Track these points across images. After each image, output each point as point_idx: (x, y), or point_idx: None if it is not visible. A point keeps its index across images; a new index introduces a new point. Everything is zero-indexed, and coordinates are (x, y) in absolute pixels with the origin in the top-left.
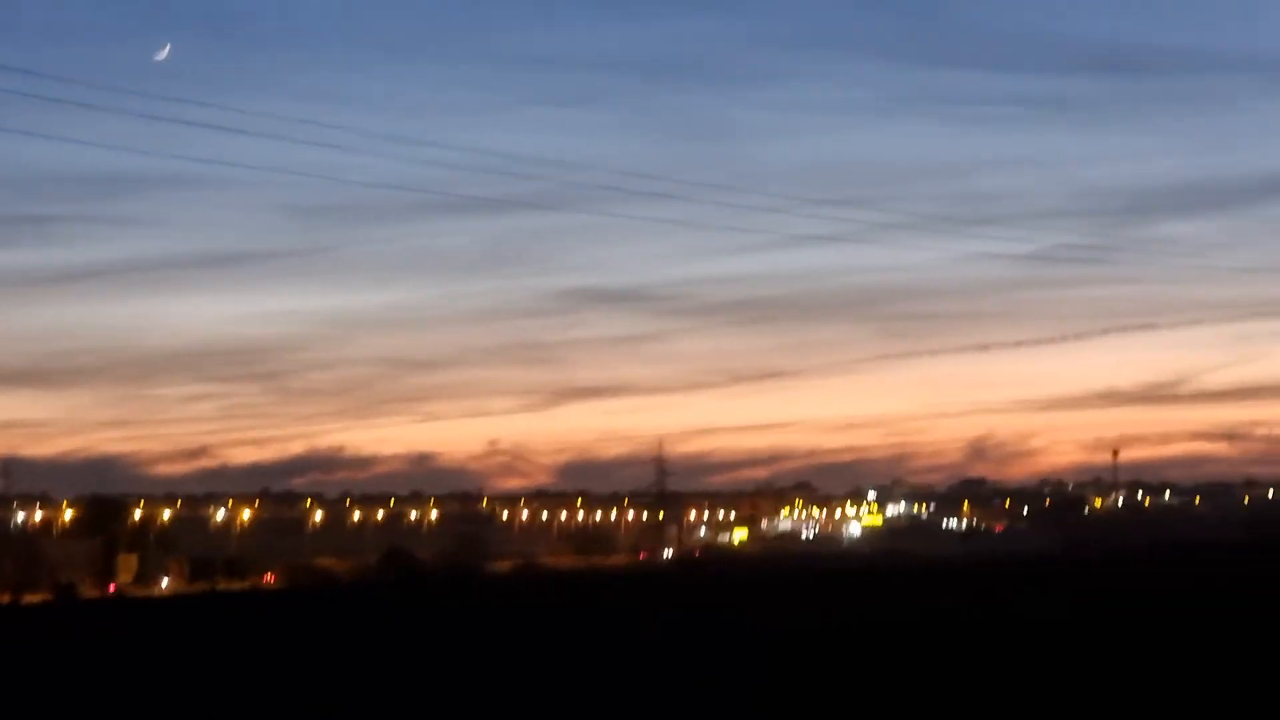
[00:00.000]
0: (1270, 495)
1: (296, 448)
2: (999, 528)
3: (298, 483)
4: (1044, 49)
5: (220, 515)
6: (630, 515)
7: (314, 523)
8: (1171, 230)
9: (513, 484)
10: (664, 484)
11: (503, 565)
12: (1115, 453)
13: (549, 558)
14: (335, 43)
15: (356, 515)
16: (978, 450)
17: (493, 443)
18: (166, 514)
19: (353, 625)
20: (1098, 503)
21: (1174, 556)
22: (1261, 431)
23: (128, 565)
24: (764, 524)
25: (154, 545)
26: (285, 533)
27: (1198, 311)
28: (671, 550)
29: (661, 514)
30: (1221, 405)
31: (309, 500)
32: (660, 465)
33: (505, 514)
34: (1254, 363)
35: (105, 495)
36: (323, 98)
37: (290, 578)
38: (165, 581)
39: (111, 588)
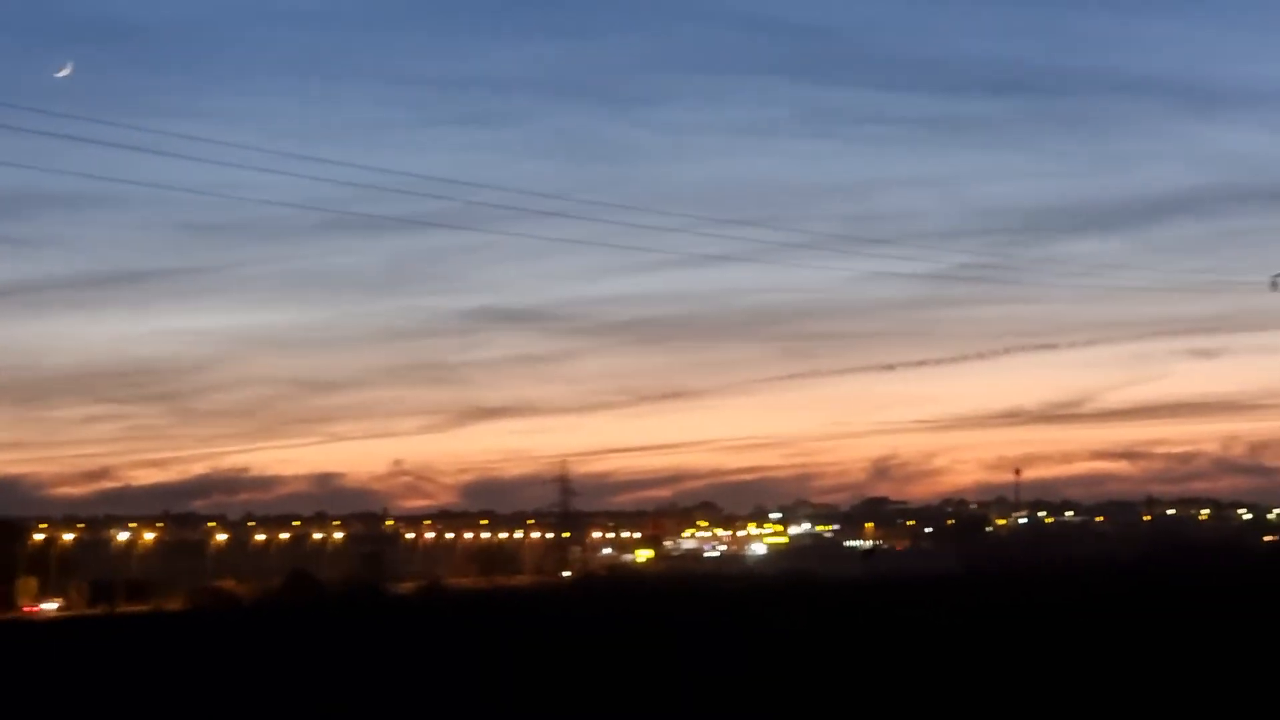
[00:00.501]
0: (1171, 512)
1: (198, 469)
2: (901, 547)
3: (200, 504)
4: (943, 71)
5: (121, 537)
6: (534, 535)
7: (216, 545)
8: (1070, 250)
9: (417, 504)
10: (568, 504)
11: (407, 586)
12: (1017, 472)
13: (453, 578)
14: (235, 62)
15: (259, 537)
16: (880, 470)
17: (397, 463)
18: (67, 536)
19: (252, 647)
20: (1000, 522)
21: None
22: (1161, 450)
23: (27, 588)
24: (668, 543)
25: (54, 568)
26: (187, 555)
27: (1098, 331)
28: (571, 570)
29: (566, 534)
30: (1122, 424)
31: (211, 522)
32: (564, 485)
33: (409, 534)
34: (1154, 382)
35: (4, 518)
36: (223, 116)
37: (192, 600)
38: (56, 604)
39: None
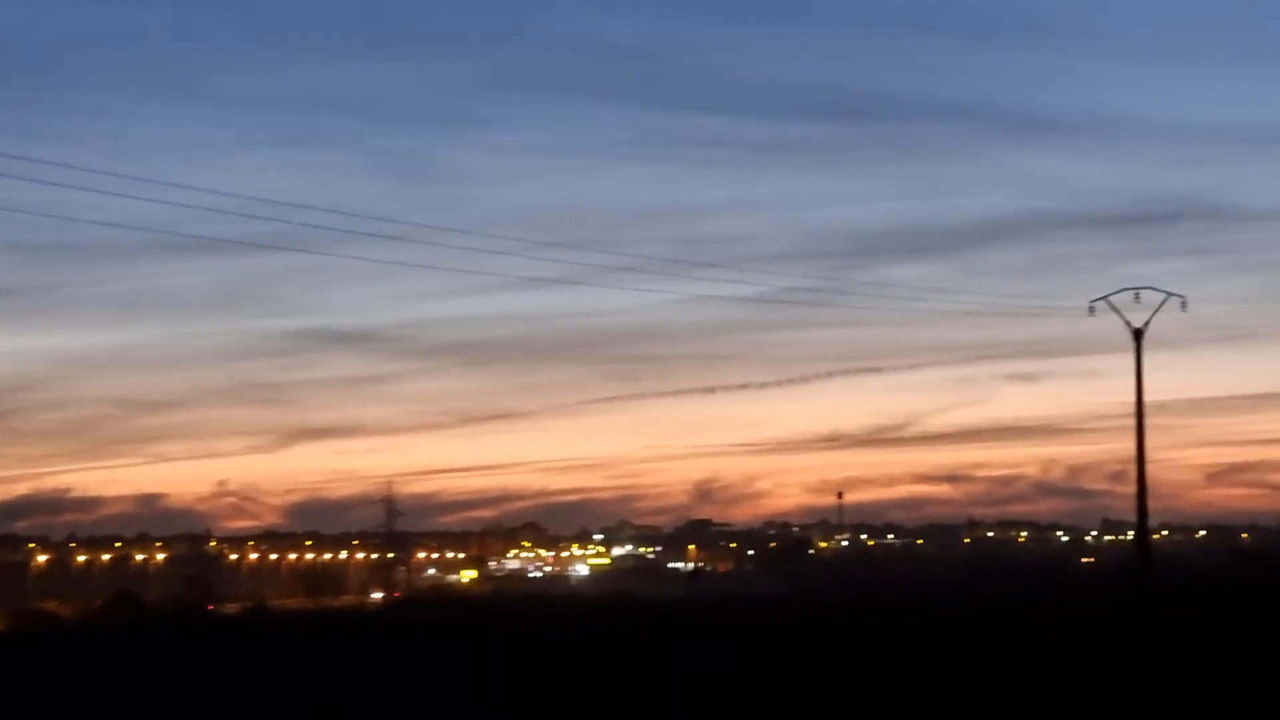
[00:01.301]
0: (991, 535)
1: (21, 489)
2: (724, 569)
3: (21, 525)
4: (769, 94)
5: None
6: (360, 556)
7: (38, 566)
8: (895, 274)
9: (242, 525)
10: (393, 524)
11: (231, 606)
12: (840, 495)
13: (278, 599)
14: (61, 80)
15: (82, 558)
16: (704, 492)
17: (221, 484)
18: None
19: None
20: (823, 544)
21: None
22: (983, 473)
23: None
24: (492, 564)
25: None
26: (8, 576)
27: (921, 355)
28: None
29: (391, 554)
30: (944, 448)
31: (32, 543)
32: (389, 505)
33: (234, 555)
34: (976, 406)
35: None
36: (48, 135)
37: (13, 621)
38: None
39: None
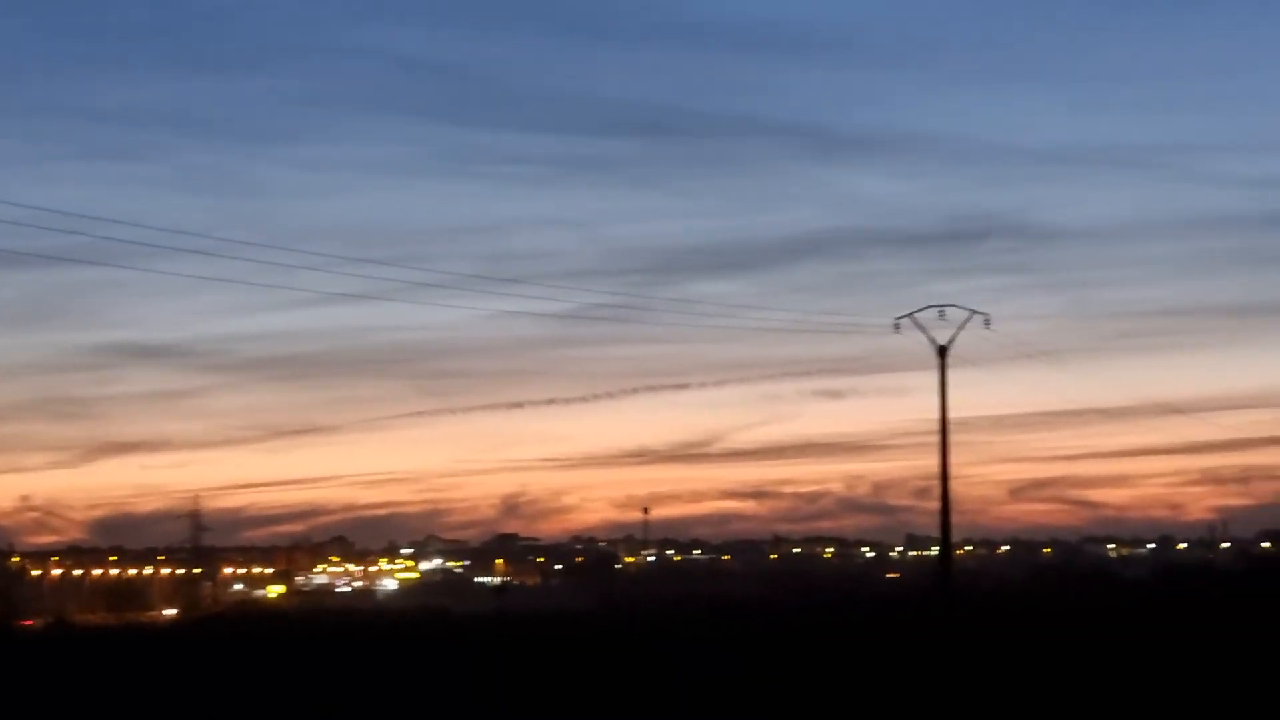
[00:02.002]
0: (797, 551)
1: None
2: (532, 583)
3: None
4: (576, 110)
5: None
6: (165, 571)
7: None
8: (701, 290)
9: (45, 540)
10: (199, 539)
11: (32, 622)
12: (646, 510)
13: (81, 614)
14: None
15: None
16: (511, 507)
17: (25, 499)
18: None
19: None
20: (629, 559)
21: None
22: (789, 489)
23: None
24: (299, 579)
25: None
26: None
27: (727, 371)
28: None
29: (197, 569)
30: (750, 464)
31: None
32: (195, 520)
33: (36, 571)
34: (782, 422)
35: None
36: None
37: None
38: None
39: None
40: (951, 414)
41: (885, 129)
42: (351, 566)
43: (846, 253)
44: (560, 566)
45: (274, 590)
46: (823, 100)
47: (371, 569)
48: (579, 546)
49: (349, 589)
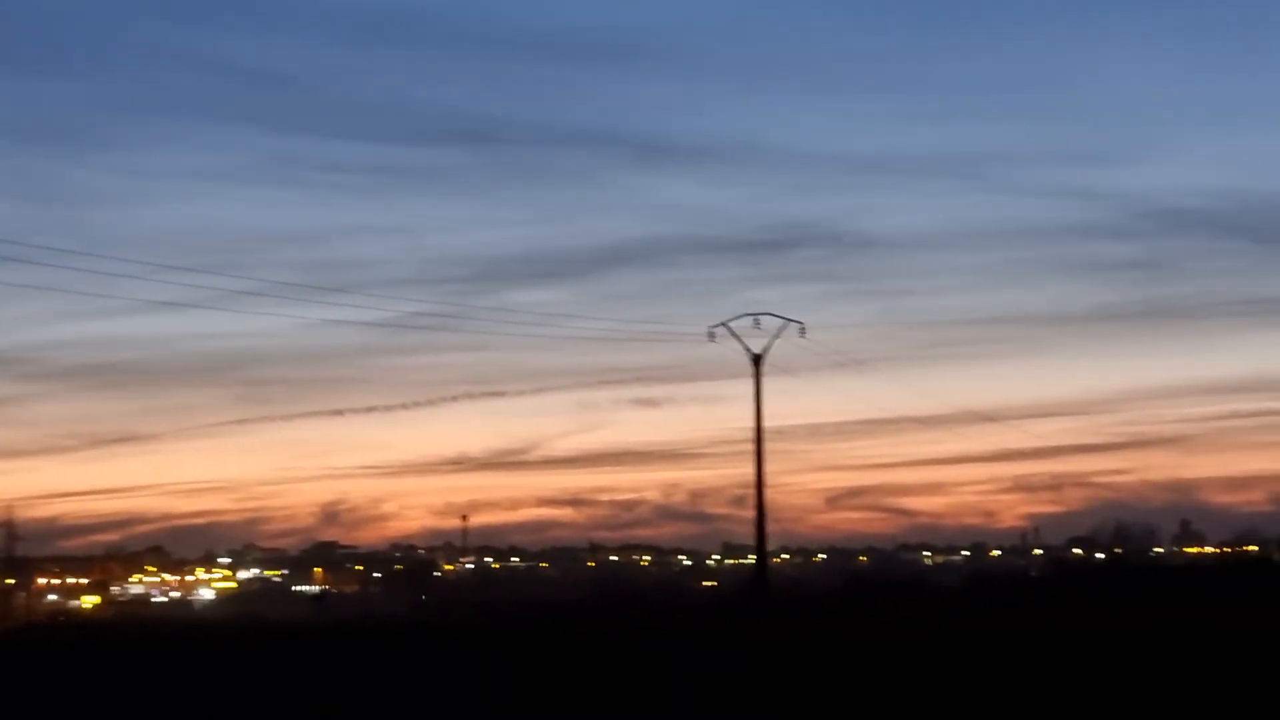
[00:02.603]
0: (614, 558)
1: None
2: (351, 591)
3: None
4: (397, 118)
5: None
6: None
7: None
8: (518, 299)
9: None
10: (13, 549)
11: None
12: (465, 518)
13: None
14: None
15: None
16: (330, 515)
17: None
18: None
19: None
20: (448, 567)
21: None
22: (606, 497)
23: None
24: (115, 589)
25: None
26: None
27: (545, 379)
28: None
29: (10, 580)
30: (567, 471)
31: None
32: (8, 530)
33: None
34: (599, 430)
35: None
36: None
37: None
38: None
39: None
40: (768, 422)
41: (701, 138)
42: (168, 576)
43: (663, 261)
44: (379, 574)
45: (89, 601)
46: (640, 109)
47: (189, 578)
48: (398, 554)
49: (165, 599)
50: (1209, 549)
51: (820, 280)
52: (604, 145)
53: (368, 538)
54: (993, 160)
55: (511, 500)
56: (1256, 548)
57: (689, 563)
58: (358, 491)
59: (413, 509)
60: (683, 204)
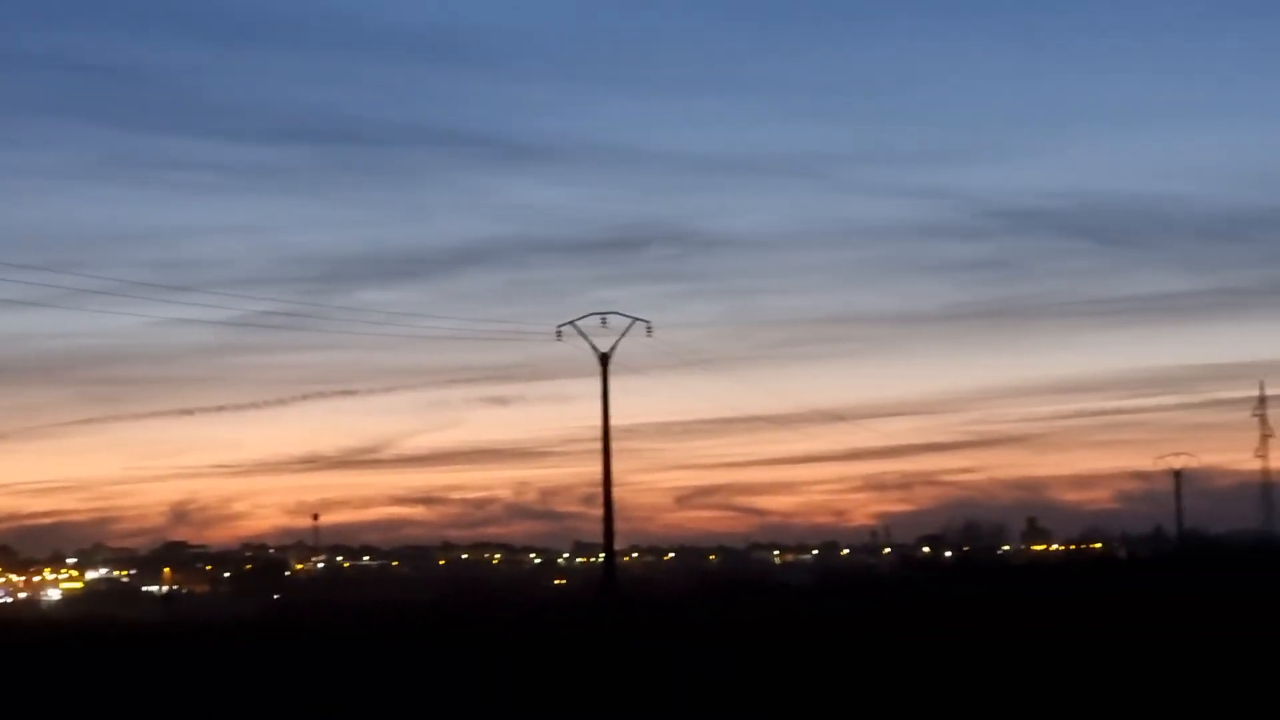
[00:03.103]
0: (465, 557)
1: None
2: (201, 591)
3: None
4: (246, 116)
5: None
6: None
7: None
8: (372, 298)
9: None
10: None
11: None
12: (316, 517)
13: None
14: None
15: None
16: (179, 514)
17: None
18: None
19: None
20: (299, 566)
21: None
22: (457, 495)
23: None
24: None
25: None
26: None
27: (395, 378)
28: None
29: None
30: (419, 470)
31: None
32: None
33: None
34: (450, 428)
35: None
36: None
37: None
38: None
39: None
40: (618, 421)
41: (550, 137)
42: (14, 577)
43: (512, 260)
44: (229, 574)
45: None
46: (490, 109)
47: (35, 579)
48: (249, 554)
49: (10, 599)
50: (1056, 546)
51: (669, 280)
52: (454, 145)
53: (218, 537)
54: (842, 160)
55: (363, 499)
56: (1100, 545)
57: (539, 561)
58: (208, 491)
59: (264, 508)
60: (532, 204)
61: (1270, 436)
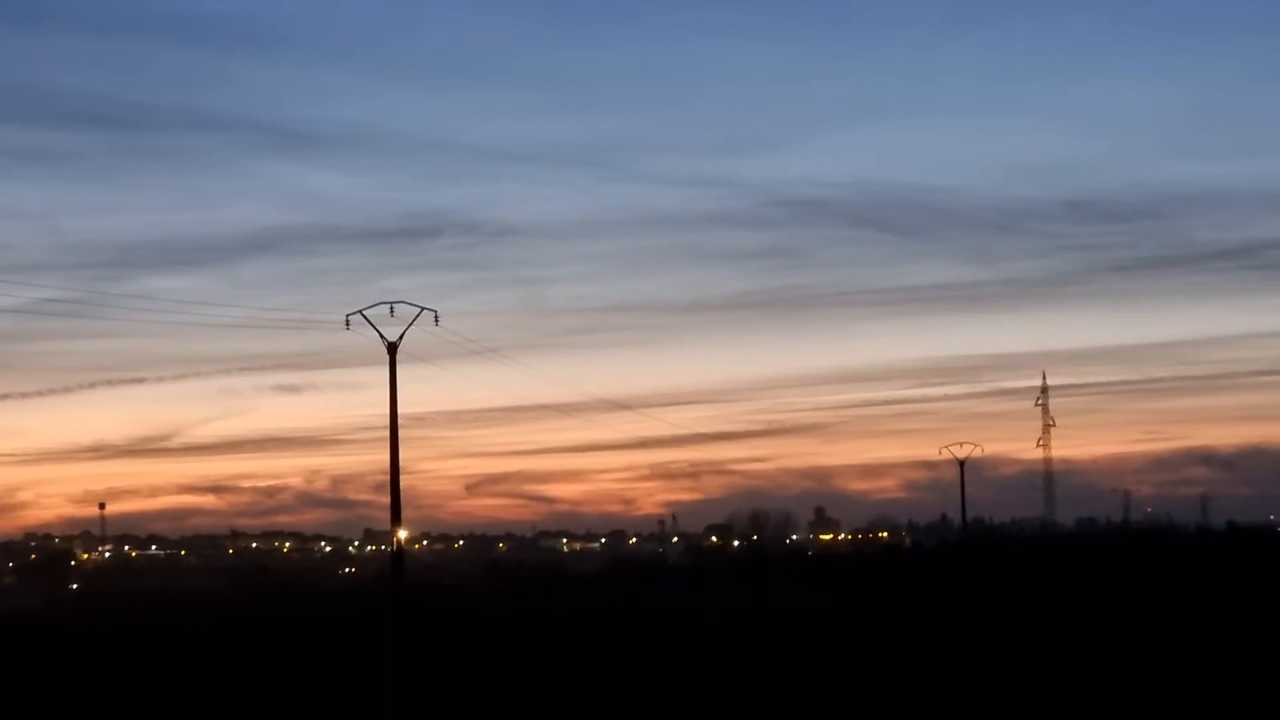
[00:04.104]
0: (255, 546)
1: None
2: None
3: None
4: (28, 101)
5: None
6: None
7: None
8: (159, 285)
9: None
10: None
11: None
12: (102, 506)
13: None
14: None
15: None
16: None
17: None
18: None
19: None
20: (85, 556)
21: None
22: (248, 484)
23: None
24: None
25: None
26: None
27: (184, 366)
28: None
29: None
30: (208, 458)
31: None
32: None
33: None
34: (240, 416)
35: None
36: None
37: None
38: None
39: None
40: (409, 409)
41: (341, 126)
42: None
43: (301, 249)
44: (13, 564)
45: None
46: (278, 96)
47: None
48: (33, 544)
49: None
50: (844, 535)
51: (459, 268)
52: (243, 132)
53: (1, 527)
54: (630, 150)
55: (151, 488)
56: (887, 534)
57: (330, 550)
58: None
59: (49, 497)
60: (322, 192)
61: (1052, 426)
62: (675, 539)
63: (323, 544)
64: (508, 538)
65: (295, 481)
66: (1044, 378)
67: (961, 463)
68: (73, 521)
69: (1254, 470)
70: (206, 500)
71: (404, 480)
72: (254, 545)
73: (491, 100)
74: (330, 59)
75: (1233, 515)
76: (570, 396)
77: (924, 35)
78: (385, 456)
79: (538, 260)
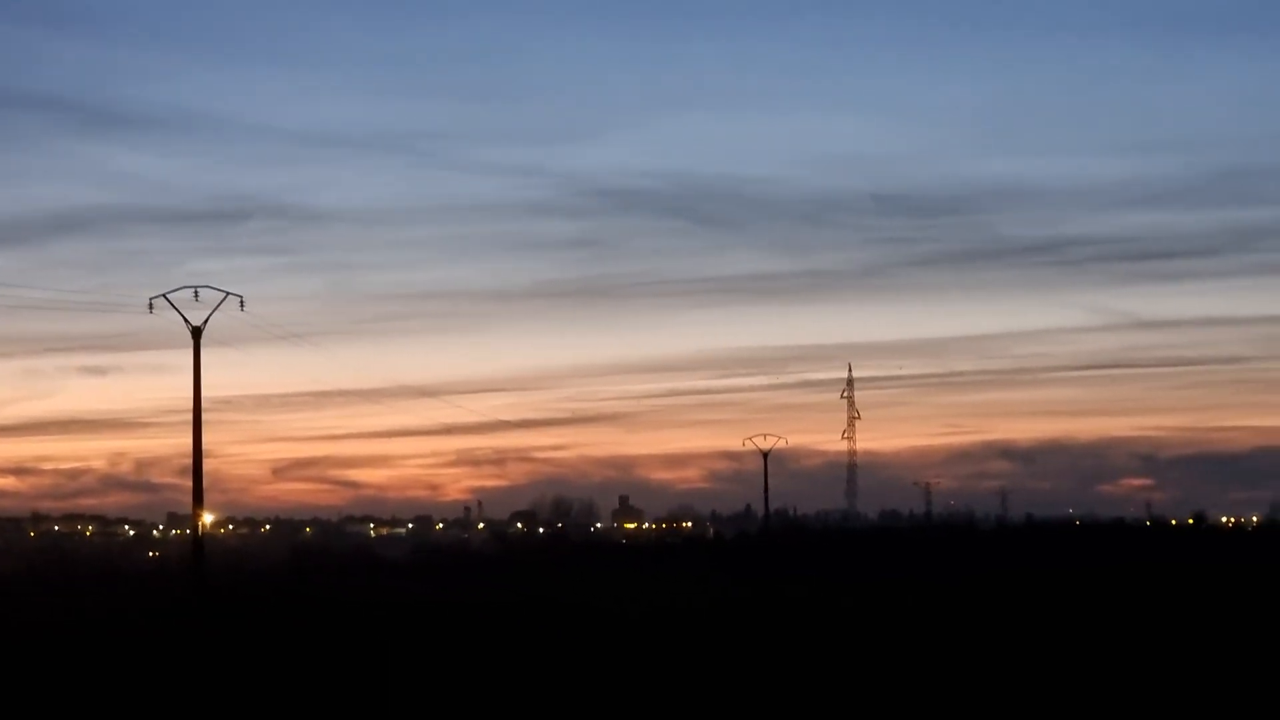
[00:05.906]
0: (58, 529)
1: None
2: None
3: None
4: None
5: None
6: None
7: None
8: None
9: None
10: None
11: None
12: None
13: None
14: None
15: None
16: None
17: None
18: None
19: None
20: None
21: None
22: (49, 466)
23: None
24: None
25: None
26: None
27: None
28: None
29: None
30: (10, 440)
31: None
32: None
33: None
34: (44, 398)
35: None
36: None
37: None
38: None
39: None
40: (216, 393)
41: (150, 106)
42: None
43: (110, 230)
44: None
45: None
46: (86, 75)
47: None
48: None
49: None
50: (647, 525)
51: (267, 253)
52: (51, 110)
53: None
54: (439, 137)
55: None
56: (691, 524)
57: (133, 533)
58: None
59: None
60: (131, 173)
61: (857, 419)
62: (481, 525)
63: (126, 527)
64: (314, 522)
65: (99, 464)
66: (849, 370)
67: (765, 454)
68: None
69: (1052, 464)
70: (8, 482)
71: (209, 464)
72: (56, 528)
73: (305, 84)
74: (142, 39)
75: (1031, 509)
76: (377, 382)
77: (735, 27)
78: (190, 440)
79: (347, 246)
